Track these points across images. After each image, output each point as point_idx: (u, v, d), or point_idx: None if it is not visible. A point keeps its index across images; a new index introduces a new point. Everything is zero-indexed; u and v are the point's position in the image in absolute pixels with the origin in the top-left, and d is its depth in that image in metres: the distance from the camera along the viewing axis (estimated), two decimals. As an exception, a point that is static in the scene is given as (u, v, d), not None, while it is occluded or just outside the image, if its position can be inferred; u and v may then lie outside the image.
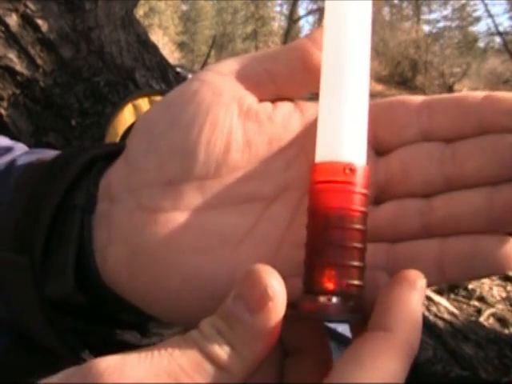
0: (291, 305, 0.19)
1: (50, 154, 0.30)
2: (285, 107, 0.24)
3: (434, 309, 1.32)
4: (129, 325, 0.28)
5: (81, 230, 0.24)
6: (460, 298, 2.03)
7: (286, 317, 0.18)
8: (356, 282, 0.19)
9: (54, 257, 0.24)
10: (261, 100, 0.24)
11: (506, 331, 1.67)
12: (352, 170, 0.19)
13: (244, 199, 0.23)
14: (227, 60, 0.25)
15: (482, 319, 1.77)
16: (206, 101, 0.23)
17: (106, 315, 0.27)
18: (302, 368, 0.21)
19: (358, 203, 0.20)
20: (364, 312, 0.19)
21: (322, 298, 0.19)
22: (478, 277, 0.21)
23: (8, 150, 0.33)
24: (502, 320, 1.79)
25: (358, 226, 0.19)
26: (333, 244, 0.19)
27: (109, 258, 0.24)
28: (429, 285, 0.21)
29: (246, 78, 0.24)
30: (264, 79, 0.24)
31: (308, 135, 0.23)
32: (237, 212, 0.23)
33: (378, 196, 0.23)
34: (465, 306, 1.95)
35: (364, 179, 0.20)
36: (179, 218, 0.23)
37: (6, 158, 0.31)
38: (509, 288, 2.20)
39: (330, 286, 0.19)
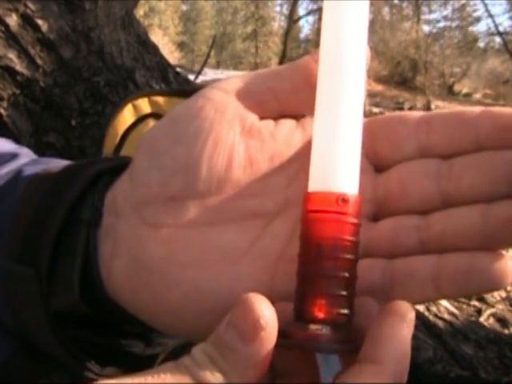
0: (282, 331, 0.19)
1: (56, 164, 0.30)
2: (287, 124, 0.25)
3: (434, 309, 1.32)
4: (132, 335, 0.28)
5: (86, 244, 0.25)
6: (460, 298, 2.03)
7: (277, 345, 0.19)
8: (346, 312, 0.20)
9: (60, 270, 0.25)
10: (263, 117, 0.24)
11: (506, 331, 1.67)
12: (345, 200, 0.20)
13: (245, 215, 0.23)
14: (232, 78, 0.25)
15: (482, 319, 1.77)
16: (209, 118, 0.23)
17: (109, 326, 0.28)
18: None
19: (350, 233, 0.20)
20: (354, 342, 0.20)
21: (313, 327, 0.19)
22: (474, 293, 0.22)
23: (13, 156, 0.34)
24: (502, 320, 1.79)
25: (349, 256, 0.20)
26: (325, 274, 0.20)
27: (113, 271, 0.24)
28: (424, 300, 0.22)
29: (249, 96, 0.24)
30: (267, 97, 0.24)
31: (309, 152, 0.23)
32: (238, 228, 0.23)
33: (377, 212, 0.24)
34: (465, 306, 1.95)
35: (356, 209, 0.20)
36: (181, 233, 0.23)
37: (12, 166, 0.32)
38: (509, 288, 2.20)
39: (320, 315, 0.19)
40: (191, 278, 0.23)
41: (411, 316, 0.20)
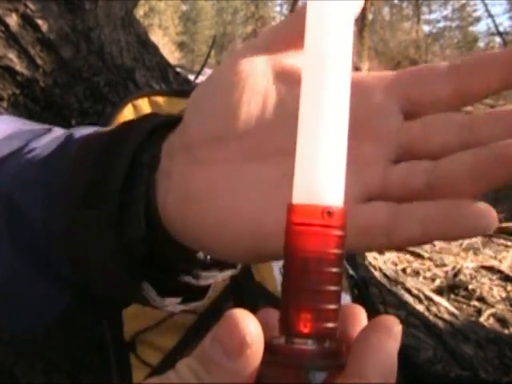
0: (266, 344, 0.19)
1: (102, 128, 0.33)
2: None
3: (433, 309, 1.32)
4: (184, 272, 0.32)
5: (147, 186, 0.28)
6: (460, 298, 2.03)
7: (263, 360, 0.19)
8: (332, 325, 0.20)
9: (127, 209, 0.28)
10: (291, 63, 0.27)
11: (506, 331, 1.67)
12: (330, 213, 0.19)
13: (278, 151, 0.26)
14: (252, 40, 0.29)
15: (482, 319, 1.77)
16: (244, 70, 0.27)
17: (165, 264, 0.31)
18: None
19: (336, 246, 0.20)
20: (341, 356, 0.20)
21: (298, 342, 0.19)
22: (458, 238, 0.22)
23: (48, 130, 0.37)
24: (501, 320, 1.79)
25: (334, 270, 0.20)
26: (310, 287, 0.19)
27: (166, 205, 0.28)
28: (412, 242, 0.23)
29: (275, 46, 0.27)
30: (290, 43, 0.27)
31: None
32: (271, 162, 0.26)
33: (400, 156, 0.25)
34: (465, 306, 1.95)
35: (341, 221, 0.20)
36: (223, 168, 0.27)
37: (50, 136, 0.35)
38: (509, 288, 2.20)
39: (305, 329, 0.19)
40: (228, 206, 0.26)
41: (397, 329, 0.20)
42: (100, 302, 0.32)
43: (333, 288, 0.19)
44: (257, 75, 0.27)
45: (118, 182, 0.27)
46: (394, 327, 0.20)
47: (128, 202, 0.28)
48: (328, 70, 0.20)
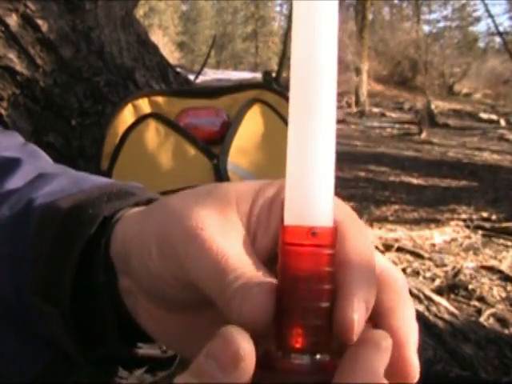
0: (260, 358, 0.20)
1: (60, 183, 0.34)
2: None
3: (433, 309, 1.32)
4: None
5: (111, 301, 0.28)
6: (460, 298, 2.03)
7: (255, 374, 0.19)
8: (323, 340, 0.20)
9: (81, 309, 0.29)
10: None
11: (506, 331, 1.67)
12: (315, 233, 0.20)
13: (202, 303, 0.26)
14: None
15: (482, 319, 1.77)
16: None
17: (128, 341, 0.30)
18: None
19: (324, 264, 0.20)
20: (331, 371, 0.20)
21: (292, 357, 0.20)
22: None
23: (16, 163, 0.37)
24: (501, 320, 1.79)
25: (325, 286, 0.20)
26: (300, 304, 0.20)
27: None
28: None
29: None
30: None
31: None
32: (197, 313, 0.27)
33: None
34: (465, 306, 1.95)
35: (328, 240, 0.21)
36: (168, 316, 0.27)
37: (17, 179, 0.35)
38: (509, 288, 2.20)
39: (297, 345, 0.20)
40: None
41: (386, 345, 0.20)
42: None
43: (324, 304, 0.20)
44: None
45: (67, 286, 0.28)
46: (382, 342, 0.20)
47: (83, 302, 0.28)
48: (313, 97, 0.21)
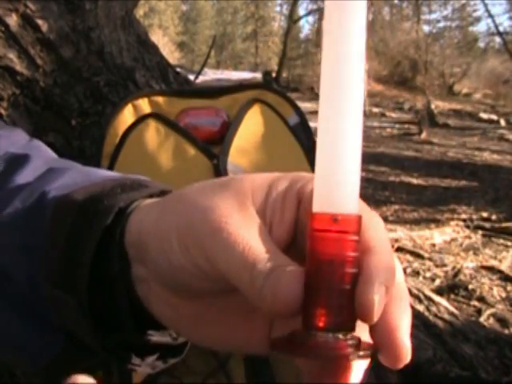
0: (290, 338, 0.22)
1: (72, 176, 0.35)
2: None
3: (433, 309, 1.32)
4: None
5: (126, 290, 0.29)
6: (460, 298, 2.03)
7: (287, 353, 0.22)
8: (345, 320, 0.22)
9: (98, 297, 0.29)
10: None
11: (506, 331, 1.67)
12: (336, 220, 0.22)
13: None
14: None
15: (482, 319, 1.77)
16: None
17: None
18: None
19: (347, 249, 0.22)
20: (359, 348, 0.22)
21: (316, 334, 0.22)
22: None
23: (25, 159, 0.37)
24: (502, 320, 1.79)
25: (347, 270, 0.22)
26: (323, 286, 0.22)
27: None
28: None
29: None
30: None
31: None
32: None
33: None
34: (465, 306, 1.95)
35: (352, 227, 0.22)
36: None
37: (27, 174, 0.36)
38: (509, 288, 2.20)
39: (321, 324, 0.22)
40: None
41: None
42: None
43: (346, 287, 0.22)
44: None
45: (85, 273, 0.28)
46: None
47: (100, 289, 0.29)
48: (344, 95, 0.22)
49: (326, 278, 0.22)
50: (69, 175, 0.35)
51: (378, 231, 0.24)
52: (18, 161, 0.38)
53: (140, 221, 0.28)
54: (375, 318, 0.21)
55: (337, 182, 0.22)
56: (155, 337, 0.31)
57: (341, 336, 0.22)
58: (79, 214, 0.29)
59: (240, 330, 0.27)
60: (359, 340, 0.22)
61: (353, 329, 0.22)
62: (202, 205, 0.25)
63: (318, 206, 0.22)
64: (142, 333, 0.30)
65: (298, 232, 0.25)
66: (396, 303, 0.23)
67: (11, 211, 0.33)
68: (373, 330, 0.22)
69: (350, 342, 0.22)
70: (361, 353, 0.22)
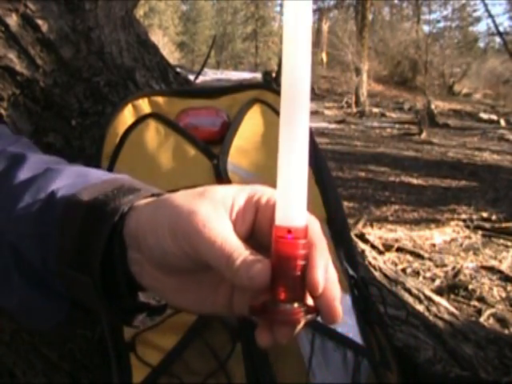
0: (260, 307, 0.33)
1: (75, 176, 0.44)
2: None
3: (434, 309, 1.32)
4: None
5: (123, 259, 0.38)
6: (460, 299, 2.03)
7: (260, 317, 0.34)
8: (299, 295, 0.33)
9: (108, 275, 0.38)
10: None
11: (506, 331, 1.67)
12: (290, 231, 0.33)
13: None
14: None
15: (481, 319, 1.77)
16: None
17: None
18: None
19: (298, 249, 0.33)
20: (311, 315, 0.33)
21: (279, 305, 0.33)
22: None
23: (22, 157, 0.47)
24: (502, 320, 1.79)
25: (298, 262, 0.33)
26: (284, 273, 0.33)
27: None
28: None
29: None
30: None
31: None
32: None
33: None
34: (465, 306, 1.95)
35: (301, 234, 0.33)
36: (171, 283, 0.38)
37: (26, 171, 0.45)
38: (509, 288, 2.20)
39: (282, 297, 0.33)
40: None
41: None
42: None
43: (298, 273, 0.33)
44: None
45: (98, 260, 0.37)
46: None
47: (109, 272, 0.38)
48: (295, 141, 0.33)
49: (285, 268, 0.33)
50: (66, 175, 0.43)
51: (316, 231, 0.34)
52: (16, 159, 0.47)
53: (137, 217, 0.37)
54: (320, 291, 0.33)
55: (291, 203, 0.33)
56: (142, 298, 0.40)
57: (296, 305, 0.33)
58: (88, 213, 0.38)
59: (209, 298, 0.37)
60: (308, 306, 0.33)
61: (304, 300, 0.33)
62: (186, 208, 0.34)
63: (278, 221, 0.33)
64: (133, 297, 0.40)
65: (256, 230, 0.35)
66: (330, 280, 0.33)
67: (24, 205, 0.42)
68: (317, 300, 0.33)
69: (302, 309, 0.33)
70: (308, 316, 0.33)
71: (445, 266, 2.45)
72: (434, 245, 2.84)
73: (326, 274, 0.33)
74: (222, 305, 0.37)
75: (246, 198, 0.35)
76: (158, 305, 0.41)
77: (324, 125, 9.76)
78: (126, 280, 0.38)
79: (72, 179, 0.43)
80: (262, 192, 0.35)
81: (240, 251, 0.33)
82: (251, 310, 0.34)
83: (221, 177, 0.69)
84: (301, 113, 0.32)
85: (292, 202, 0.33)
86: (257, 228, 0.35)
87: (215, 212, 0.34)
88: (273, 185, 0.35)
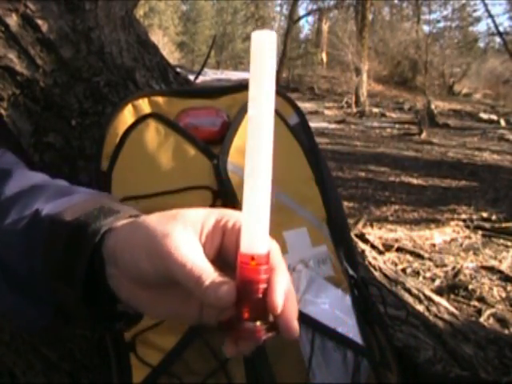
0: (226, 324, 0.37)
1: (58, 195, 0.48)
2: None
3: (433, 309, 1.32)
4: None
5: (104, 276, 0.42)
6: (460, 299, 2.03)
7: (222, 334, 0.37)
8: (261, 314, 0.36)
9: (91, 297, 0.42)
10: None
11: (506, 331, 1.67)
12: (253, 258, 0.36)
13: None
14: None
15: (481, 319, 1.77)
16: None
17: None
18: None
19: (260, 274, 0.36)
20: (272, 332, 0.36)
21: (244, 323, 0.36)
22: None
23: (7, 172, 0.51)
24: (502, 320, 1.79)
25: (260, 285, 0.36)
26: (248, 295, 0.36)
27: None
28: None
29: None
30: None
31: None
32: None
33: None
34: (465, 306, 1.95)
35: (263, 261, 0.36)
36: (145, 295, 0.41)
37: (12, 186, 0.49)
38: (509, 288, 2.20)
39: (246, 316, 0.36)
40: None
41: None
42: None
43: (260, 295, 0.36)
44: None
45: (80, 279, 0.41)
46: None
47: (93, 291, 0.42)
48: (258, 179, 0.36)
49: (248, 290, 0.36)
50: (51, 192, 0.48)
51: (277, 255, 0.38)
52: (2, 174, 0.51)
53: (115, 239, 0.40)
54: (279, 311, 0.36)
55: (254, 232, 0.36)
56: (121, 308, 0.44)
57: (258, 323, 0.36)
58: (71, 233, 0.42)
59: (181, 309, 0.40)
60: (269, 324, 0.36)
61: (266, 318, 0.36)
62: (160, 231, 0.37)
63: (243, 248, 0.36)
64: (112, 306, 0.43)
65: (222, 251, 0.39)
66: (289, 300, 0.37)
67: (11, 221, 0.46)
68: (277, 318, 0.36)
69: (263, 327, 0.36)
70: (269, 333, 0.36)
71: (445, 265, 2.45)
72: (434, 245, 2.84)
73: (285, 295, 0.36)
74: (192, 315, 0.40)
75: (213, 222, 0.39)
76: (135, 314, 0.45)
77: (324, 125, 9.76)
78: (107, 291, 0.41)
79: (56, 197, 0.47)
80: (229, 216, 0.39)
81: (208, 273, 0.36)
82: (219, 326, 0.38)
83: (221, 177, 0.69)
84: (264, 148, 0.36)
85: (255, 232, 0.36)
86: (224, 249, 0.39)
87: (186, 235, 0.37)
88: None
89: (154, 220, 0.39)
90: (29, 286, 0.45)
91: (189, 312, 0.40)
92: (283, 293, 0.36)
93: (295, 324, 0.36)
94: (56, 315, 0.47)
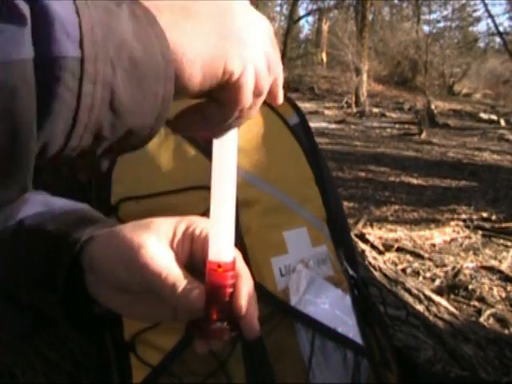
0: (196, 325, 0.41)
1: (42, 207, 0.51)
2: None
3: (433, 309, 1.32)
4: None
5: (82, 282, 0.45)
6: (460, 299, 2.03)
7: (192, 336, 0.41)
8: (227, 315, 0.40)
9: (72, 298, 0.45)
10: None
11: (506, 331, 1.68)
12: (220, 266, 0.39)
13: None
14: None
15: (481, 319, 1.77)
16: None
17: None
18: None
19: (227, 279, 0.40)
20: (236, 332, 0.41)
21: (212, 324, 0.40)
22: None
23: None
24: (502, 320, 1.79)
25: (227, 290, 0.40)
26: (216, 298, 0.40)
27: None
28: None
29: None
30: None
31: None
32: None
33: None
34: (465, 307, 1.95)
35: (229, 267, 0.40)
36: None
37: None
38: (509, 288, 2.20)
39: (215, 317, 0.40)
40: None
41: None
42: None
43: (227, 298, 0.40)
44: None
45: (61, 285, 0.43)
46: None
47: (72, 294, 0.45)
48: (224, 192, 0.40)
49: (216, 294, 0.40)
50: (33, 204, 0.50)
51: (240, 262, 0.42)
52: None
53: (93, 248, 0.43)
54: (243, 312, 0.40)
55: (221, 242, 0.40)
56: (98, 309, 0.47)
57: (225, 324, 0.40)
58: (52, 243, 0.45)
59: (156, 310, 0.43)
60: (234, 324, 0.40)
61: (232, 319, 0.40)
62: (136, 242, 0.40)
63: (211, 256, 0.40)
64: (91, 309, 0.47)
65: (192, 256, 0.42)
66: (251, 303, 0.41)
67: None
68: (240, 319, 0.40)
69: (229, 327, 0.40)
70: (233, 332, 0.40)
71: (445, 266, 2.45)
72: (434, 245, 2.84)
73: (248, 298, 0.40)
74: (167, 315, 0.43)
75: (183, 230, 0.42)
76: (113, 316, 0.48)
77: (324, 125, 9.76)
78: (86, 296, 0.45)
79: (37, 208, 0.50)
80: (197, 224, 0.43)
81: (181, 280, 0.40)
82: (190, 327, 0.41)
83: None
84: (228, 163, 0.40)
85: (222, 241, 0.40)
86: (193, 255, 0.42)
87: (160, 244, 0.41)
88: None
89: (129, 230, 0.42)
90: (10, 291, 0.48)
91: (164, 313, 0.43)
92: (247, 296, 0.40)
93: (256, 324, 0.41)
94: (37, 321, 0.50)
